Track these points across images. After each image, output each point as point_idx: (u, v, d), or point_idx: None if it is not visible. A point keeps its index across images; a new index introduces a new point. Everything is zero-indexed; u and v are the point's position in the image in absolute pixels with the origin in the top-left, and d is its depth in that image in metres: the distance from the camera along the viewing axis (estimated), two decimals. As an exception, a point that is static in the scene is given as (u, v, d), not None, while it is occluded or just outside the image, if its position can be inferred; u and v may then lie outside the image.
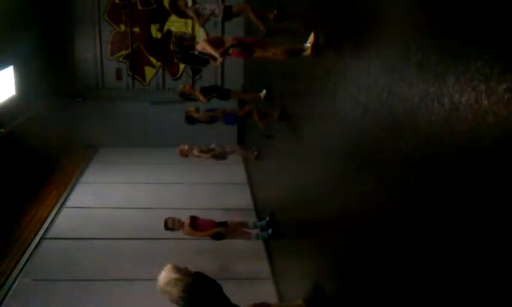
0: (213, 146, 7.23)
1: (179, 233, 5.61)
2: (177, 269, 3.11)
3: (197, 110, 6.57)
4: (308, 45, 3.74)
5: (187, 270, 3.16)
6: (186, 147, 7.08)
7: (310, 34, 3.74)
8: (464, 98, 1.58)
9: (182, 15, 5.31)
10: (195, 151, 7.07)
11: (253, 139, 8.11)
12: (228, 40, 4.11)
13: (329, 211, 3.43)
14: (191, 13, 5.16)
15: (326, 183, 3.50)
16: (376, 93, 2.46)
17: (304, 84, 4.26)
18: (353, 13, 2.93)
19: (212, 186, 8.00)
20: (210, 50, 3.98)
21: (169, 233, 5.65)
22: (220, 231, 5.49)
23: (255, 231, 5.80)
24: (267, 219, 5.74)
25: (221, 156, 7.24)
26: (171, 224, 5.49)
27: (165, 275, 3.08)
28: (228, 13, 5.20)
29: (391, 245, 2.24)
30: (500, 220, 1.41)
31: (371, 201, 2.53)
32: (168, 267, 3.13)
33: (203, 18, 5.21)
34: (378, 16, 2.52)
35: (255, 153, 7.49)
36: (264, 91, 6.25)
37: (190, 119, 6.66)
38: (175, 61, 4.70)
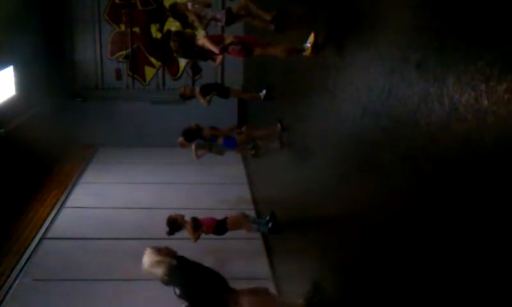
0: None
1: (179, 233, 5.60)
2: (157, 251, 3.33)
3: (198, 126, 6.46)
4: (308, 45, 3.74)
5: (167, 250, 3.39)
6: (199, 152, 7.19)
7: (310, 34, 3.75)
8: (464, 98, 1.58)
9: (183, 19, 5.26)
10: (193, 156, 7.12)
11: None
12: (228, 38, 4.11)
13: (329, 211, 3.43)
14: (191, 16, 5.12)
15: (326, 183, 3.50)
16: (376, 93, 2.46)
17: (304, 83, 4.26)
18: (353, 12, 2.93)
19: (212, 186, 8.00)
20: (209, 45, 4.01)
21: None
22: (222, 223, 5.52)
23: (255, 226, 5.80)
24: (268, 218, 5.73)
25: (218, 151, 7.26)
26: (174, 215, 5.51)
27: (147, 258, 3.32)
28: (230, 16, 5.16)
29: (391, 245, 2.24)
30: (500, 219, 1.41)
31: (371, 200, 2.53)
32: (148, 250, 3.36)
33: (205, 21, 5.17)
34: (378, 17, 2.52)
35: (252, 151, 7.54)
36: (264, 91, 6.25)
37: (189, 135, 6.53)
38: (175, 55, 4.67)
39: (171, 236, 5.68)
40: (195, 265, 3.46)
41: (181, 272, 3.29)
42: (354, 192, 2.86)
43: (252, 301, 3.49)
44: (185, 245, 5.82)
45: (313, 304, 3.59)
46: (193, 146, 7.09)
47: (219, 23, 5.38)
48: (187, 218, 5.50)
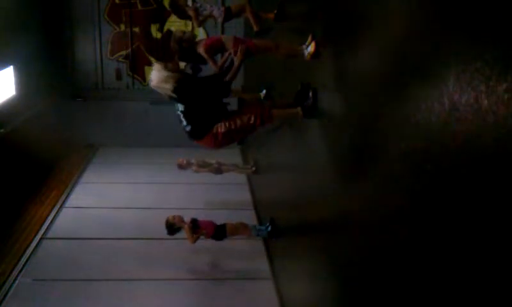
0: (212, 161, 7.53)
1: (179, 233, 5.60)
2: (165, 66, 3.54)
3: None
4: (308, 52, 3.74)
5: (174, 66, 3.60)
6: (184, 161, 7.51)
7: (311, 40, 3.72)
8: (464, 98, 1.58)
9: (183, 15, 5.29)
10: (193, 167, 7.52)
11: (252, 146, 8.13)
12: (228, 40, 4.11)
13: (329, 211, 3.43)
14: (190, 12, 5.15)
15: (326, 184, 3.50)
16: (375, 93, 2.46)
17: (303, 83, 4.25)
18: (353, 12, 2.93)
19: (212, 186, 8.00)
20: (209, 62, 4.08)
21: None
22: (221, 228, 5.52)
23: (254, 231, 5.79)
24: (267, 224, 5.72)
25: (218, 170, 7.55)
26: (171, 219, 5.50)
27: (156, 74, 3.51)
28: (228, 15, 5.18)
29: (391, 246, 2.24)
30: (501, 220, 1.41)
31: (370, 201, 2.53)
32: (157, 66, 3.55)
33: (201, 18, 5.20)
34: (378, 16, 2.52)
35: (253, 168, 7.73)
36: (264, 91, 6.26)
37: None
38: (175, 59, 4.70)
39: (171, 236, 5.69)
40: (201, 81, 3.75)
41: (187, 87, 3.55)
42: (354, 193, 2.86)
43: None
44: (185, 245, 5.85)
45: (307, 107, 3.78)
46: (194, 168, 7.36)
47: (218, 21, 5.40)
48: (187, 219, 5.50)
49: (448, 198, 1.70)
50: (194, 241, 5.48)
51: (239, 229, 5.66)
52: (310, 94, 3.74)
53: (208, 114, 3.62)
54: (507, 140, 1.37)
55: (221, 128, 3.62)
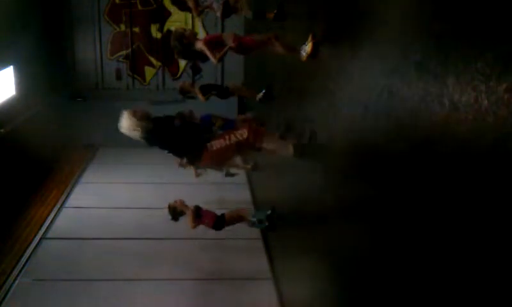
0: None
1: (179, 233, 5.60)
2: (133, 113, 3.72)
3: (190, 113, 6.56)
4: (304, 53, 3.74)
5: (142, 113, 3.78)
6: (185, 159, 7.40)
7: (311, 40, 3.72)
8: (464, 98, 1.58)
9: (183, 6, 5.28)
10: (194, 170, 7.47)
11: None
12: (228, 37, 4.11)
13: (329, 211, 3.43)
14: (190, 3, 5.14)
15: (326, 183, 3.50)
16: (376, 93, 2.46)
17: (304, 83, 4.25)
18: (353, 12, 2.92)
19: (212, 186, 8.00)
20: (208, 54, 4.05)
21: (169, 233, 5.63)
22: (221, 217, 5.50)
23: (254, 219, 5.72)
24: (269, 212, 5.65)
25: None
26: (173, 204, 5.49)
27: (125, 122, 3.72)
28: (227, 8, 5.16)
29: (391, 246, 2.24)
30: (500, 220, 1.40)
31: (371, 201, 2.53)
32: (125, 115, 3.74)
33: (200, 9, 5.19)
34: (378, 16, 2.51)
35: (252, 165, 7.71)
36: (262, 92, 6.25)
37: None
38: (175, 57, 4.70)
39: (171, 236, 5.69)
40: (169, 123, 3.89)
41: (157, 133, 3.73)
42: (354, 193, 2.86)
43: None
44: (185, 244, 5.87)
45: (300, 146, 3.90)
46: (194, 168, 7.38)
47: (217, 14, 5.38)
48: (190, 205, 5.49)
49: (448, 198, 1.70)
50: (195, 226, 5.44)
51: (238, 215, 5.61)
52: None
53: (189, 141, 3.77)
54: (507, 140, 1.37)
55: (215, 145, 3.71)
